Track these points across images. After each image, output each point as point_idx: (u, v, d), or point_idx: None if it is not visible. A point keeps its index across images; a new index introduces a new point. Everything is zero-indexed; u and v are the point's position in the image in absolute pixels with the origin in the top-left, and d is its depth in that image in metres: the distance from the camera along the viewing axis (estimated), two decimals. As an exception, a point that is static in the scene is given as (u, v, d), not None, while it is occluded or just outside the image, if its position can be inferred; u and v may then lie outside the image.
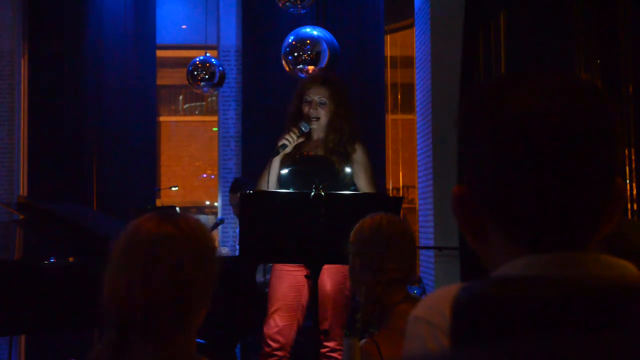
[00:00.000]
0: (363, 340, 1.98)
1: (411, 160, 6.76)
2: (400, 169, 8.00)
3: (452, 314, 0.73)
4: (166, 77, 11.35)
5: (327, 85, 3.32)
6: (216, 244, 1.53)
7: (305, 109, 3.29)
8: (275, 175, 3.27)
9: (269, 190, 3.21)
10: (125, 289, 1.36)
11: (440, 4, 5.26)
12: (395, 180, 7.95)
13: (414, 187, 6.78)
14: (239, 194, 2.96)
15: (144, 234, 1.39)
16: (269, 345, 3.17)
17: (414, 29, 6.12)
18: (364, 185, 3.25)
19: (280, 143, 3.24)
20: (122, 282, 1.37)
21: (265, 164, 3.31)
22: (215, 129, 7.88)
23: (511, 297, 0.72)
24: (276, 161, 3.27)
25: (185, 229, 1.41)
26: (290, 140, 3.24)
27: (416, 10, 5.95)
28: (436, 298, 0.83)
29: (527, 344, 0.63)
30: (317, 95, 3.30)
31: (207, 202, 12.64)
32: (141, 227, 1.41)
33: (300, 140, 3.29)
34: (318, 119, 3.28)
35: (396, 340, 1.94)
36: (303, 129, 3.27)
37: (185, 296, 1.38)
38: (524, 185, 0.79)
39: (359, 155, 3.28)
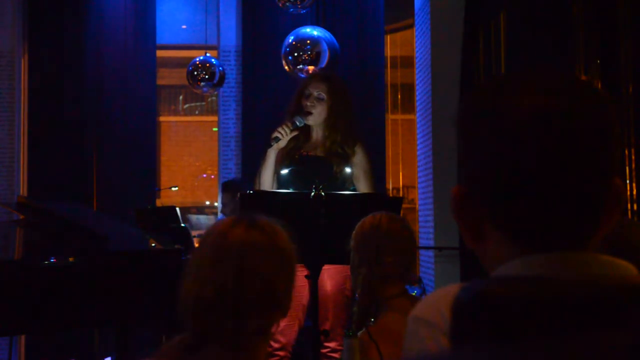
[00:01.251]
0: (360, 332, 2.00)
1: (411, 160, 6.76)
2: (400, 169, 8.00)
3: (452, 314, 0.73)
4: (166, 77, 11.36)
5: (328, 81, 3.32)
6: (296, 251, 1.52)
7: (303, 102, 3.29)
8: (271, 168, 3.27)
9: (268, 190, 3.21)
10: (215, 295, 1.35)
11: (441, 4, 5.26)
12: (395, 180, 7.95)
13: (414, 187, 6.78)
14: (238, 194, 2.95)
15: (234, 241, 1.38)
16: (270, 346, 3.17)
17: (414, 29, 6.13)
18: (363, 187, 3.24)
19: (273, 135, 3.24)
20: (210, 288, 1.36)
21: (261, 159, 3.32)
22: (215, 129, 7.88)
23: (511, 297, 0.72)
24: (271, 154, 3.26)
25: (272, 236, 1.40)
26: (282, 133, 3.23)
27: (416, 10, 5.95)
28: (436, 298, 0.83)
29: (527, 344, 0.63)
30: (316, 89, 3.30)
31: (207, 202, 12.65)
32: (230, 233, 1.40)
33: (295, 134, 3.27)
34: (312, 113, 3.27)
35: (392, 332, 1.98)
36: (297, 123, 3.26)
37: (270, 305, 1.37)
38: (522, 185, 0.79)
39: (359, 157, 3.27)
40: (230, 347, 1.35)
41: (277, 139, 3.23)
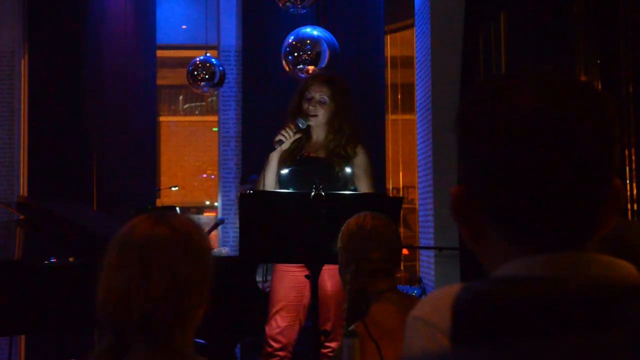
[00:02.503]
0: (353, 325, 2.03)
1: (411, 160, 6.76)
2: (400, 169, 8.00)
3: (452, 314, 0.73)
4: (166, 77, 11.36)
5: (330, 84, 3.31)
6: (211, 244, 1.51)
7: (305, 105, 3.28)
8: (273, 172, 3.27)
9: (269, 190, 3.21)
10: (121, 291, 1.36)
11: (441, 4, 5.26)
12: (395, 180, 7.95)
13: (414, 187, 6.78)
14: (238, 194, 2.96)
15: (138, 236, 1.39)
16: (271, 346, 3.17)
17: (414, 29, 6.13)
18: (364, 188, 3.24)
19: (276, 139, 3.24)
20: (117, 284, 1.37)
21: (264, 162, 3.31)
22: (215, 129, 7.88)
23: (510, 297, 0.72)
24: (274, 157, 3.26)
25: (179, 230, 1.40)
26: (286, 136, 3.23)
27: (416, 10, 5.96)
28: (435, 298, 0.83)
29: (527, 344, 0.63)
30: (318, 93, 3.29)
31: (207, 202, 12.65)
32: (135, 228, 1.40)
33: (298, 136, 3.27)
34: (316, 116, 3.27)
35: (381, 323, 2.04)
36: (300, 125, 3.26)
37: (181, 297, 1.38)
38: (522, 185, 0.79)
39: (360, 158, 3.27)
40: (151, 342, 1.36)
41: (280, 142, 3.23)
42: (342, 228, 2.23)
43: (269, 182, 3.26)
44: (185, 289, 1.38)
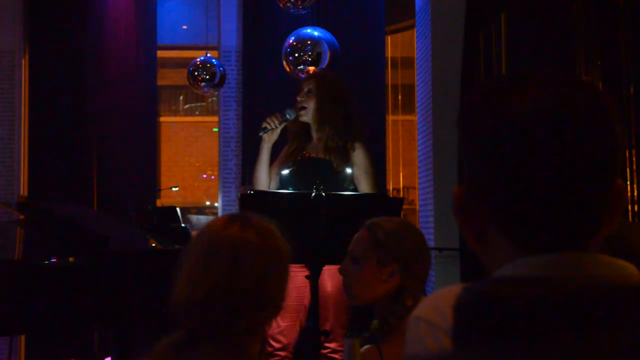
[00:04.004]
0: (366, 346, 1.93)
1: (412, 161, 6.76)
2: (401, 170, 8.00)
3: (454, 314, 0.73)
4: (167, 78, 11.36)
5: (319, 77, 3.38)
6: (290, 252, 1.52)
7: (297, 98, 3.32)
8: (265, 165, 3.28)
9: (263, 186, 3.22)
10: (207, 293, 1.35)
11: (441, 5, 5.26)
12: (396, 181, 7.95)
13: (414, 188, 6.77)
14: (239, 194, 2.96)
15: (228, 239, 1.39)
16: (271, 346, 3.17)
17: (415, 30, 6.12)
18: (364, 187, 3.24)
19: (262, 126, 3.26)
20: (203, 286, 1.36)
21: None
22: (215, 129, 7.88)
23: (512, 297, 0.72)
24: (264, 150, 3.27)
25: (266, 236, 1.40)
26: (270, 124, 3.24)
27: (417, 11, 5.96)
28: (437, 298, 0.83)
29: (528, 344, 0.62)
30: (306, 85, 3.33)
31: (208, 203, 12.65)
32: (223, 232, 1.40)
33: (283, 125, 3.27)
34: (305, 108, 3.28)
35: (400, 351, 1.90)
36: (287, 115, 3.27)
37: (262, 304, 1.38)
38: (524, 186, 0.79)
39: (360, 156, 3.27)
40: (222, 345, 1.36)
41: (265, 130, 3.24)
42: (384, 224, 2.03)
43: (260, 177, 3.26)
44: (267, 296, 1.38)
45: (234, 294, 1.35)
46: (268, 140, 3.26)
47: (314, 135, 3.34)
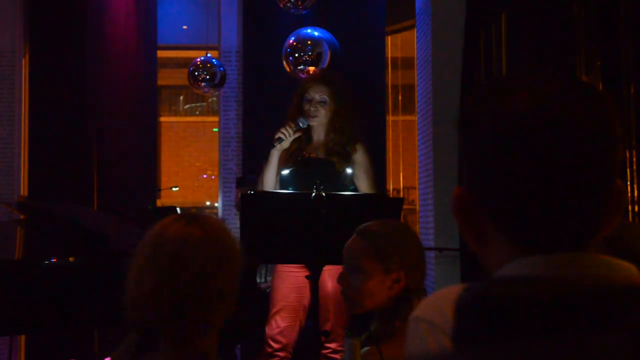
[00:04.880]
0: (366, 348, 1.92)
1: (412, 161, 6.76)
2: (401, 170, 8.00)
3: (455, 314, 0.74)
4: (167, 78, 11.37)
5: (329, 83, 3.31)
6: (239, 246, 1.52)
7: (306, 107, 3.28)
8: (274, 170, 3.27)
9: (270, 190, 3.21)
10: (151, 290, 1.36)
11: (442, 5, 5.26)
12: (396, 181, 7.95)
13: (414, 188, 6.78)
14: (239, 195, 2.96)
15: (170, 235, 1.39)
16: (271, 346, 3.17)
17: (415, 30, 6.12)
18: (364, 187, 3.24)
19: (276, 137, 3.25)
20: (147, 283, 1.37)
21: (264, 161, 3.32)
22: (215, 129, 7.88)
23: (513, 297, 0.72)
24: (274, 155, 3.27)
25: (210, 231, 1.41)
26: (285, 134, 3.23)
27: (417, 11, 5.96)
28: (437, 298, 0.83)
29: (529, 344, 0.63)
30: (317, 93, 3.28)
31: (208, 203, 12.65)
32: (167, 228, 1.41)
33: (297, 135, 3.27)
34: (317, 117, 3.27)
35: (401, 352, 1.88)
36: (300, 124, 3.26)
37: (210, 298, 1.38)
38: (524, 186, 0.79)
39: (359, 156, 3.27)
40: (176, 342, 1.36)
41: (280, 140, 3.23)
42: (390, 228, 2.02)
43: (268, 180, 3.26)
44: (213, 290, 1.38)
45: (178, 288, 1.35)
46: (280, 149, 3.26)
47: (316, 137, 3.33)
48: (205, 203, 12.69)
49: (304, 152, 3.31)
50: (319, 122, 3.28)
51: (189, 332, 1.37)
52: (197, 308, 1.37)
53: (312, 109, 3.26)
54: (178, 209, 5.25)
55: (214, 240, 1.40)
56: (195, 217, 1.44)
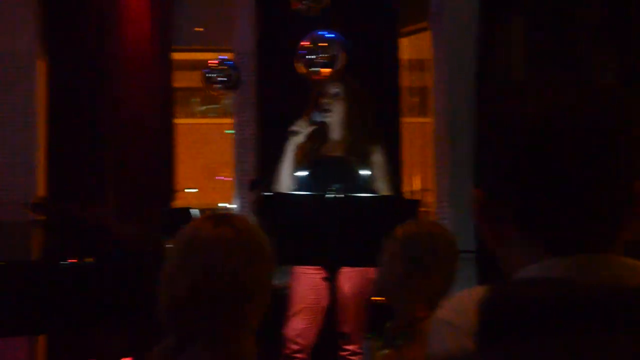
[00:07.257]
0: (385, 351, 1.91)
1: (426, 163, 6.74)
2: (416, 172, 7.98)
3: (479, 315, 0.74)
4: (182, 80, 11.40)
5: (342, 80, 3.36)
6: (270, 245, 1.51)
7: (321, 101, 3.31)
8: (289, 165, 3.27)
9: (285, 184, 3.23)
10: (186, 293, 1.36)
11: (457, 7, 5.24)
12: (411, 183, 7.93)
13: (429, 190, 6.76)
14: (254, 196, 2.97)
15: (201, 238, 1.39)
16: (289, 348, 3.17)
17: (428, 31, 6.11)
18: (381, 187, 3.24)
19: (290, 129, 3.26)
20: (182, 286, 1.37)
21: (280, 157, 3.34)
22: (229, 131, 7.90)
23: (535, 298, 0.72)
24: (289, 150, 3.27)
25: (242, 231, 1.41)
26: (300, 128, 3.25)
27: (432, 12, 5.94)
28: (459, 300, 0.84)
29: (552, 344, 0.63)
30: (332, 88, 3.31)
31: (223, 204, 12.67)
32: (198, 230, 1.41)
33: (312, 129, 3.27)
34: (331, 111, 3.27)
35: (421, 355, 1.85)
36: (315, 118, 3.27)
37: (244, 298, 1.37)
38: (543, 188, 0.79)
39: (377, 158, 3.27)
40: (210, 344, 1.36)
41: (294, 133, 3.24)
42: (412, 230, 2.00)
43: (284, 176, 3.26)
44: (248, 290, 1.38)
45: (212, 290, 1.35)
46: (295, 142, 3.27)
47: (334, 136, 3.33)
48: (220, 205, 12.71)
49: (320, 152, 3.31)
50: (333, 117, 3.28)
51: (225, 334, 1.37)
52: (232, 309, 1.36)
53: (326, 101, 3.28)
54: (194, 211, 5.26)
55: (244, 239, 1.40)
56: (226, 217, 1.44)
